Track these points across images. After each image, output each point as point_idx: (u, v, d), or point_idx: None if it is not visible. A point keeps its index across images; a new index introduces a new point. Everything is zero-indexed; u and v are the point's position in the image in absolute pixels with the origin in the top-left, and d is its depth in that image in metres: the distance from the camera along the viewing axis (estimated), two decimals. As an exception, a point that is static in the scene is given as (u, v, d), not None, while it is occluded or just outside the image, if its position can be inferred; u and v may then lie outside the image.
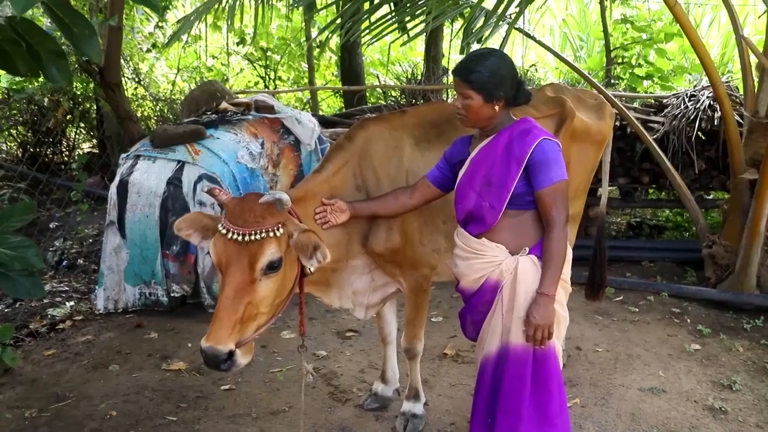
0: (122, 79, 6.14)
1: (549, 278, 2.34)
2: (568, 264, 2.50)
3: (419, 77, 7.64)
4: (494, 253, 2.45)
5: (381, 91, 8.59)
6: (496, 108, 2.40)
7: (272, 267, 2.31)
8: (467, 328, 2.69)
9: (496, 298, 2.47)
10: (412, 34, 4.53)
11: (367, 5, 4.66)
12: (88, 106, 7.75)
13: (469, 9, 4.70)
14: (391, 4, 4.80)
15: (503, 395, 2.47)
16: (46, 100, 7.40)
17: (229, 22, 5.47)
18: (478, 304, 2.55)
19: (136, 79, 8.47)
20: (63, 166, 7.47)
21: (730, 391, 3.57)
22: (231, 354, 2.26)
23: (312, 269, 2.49)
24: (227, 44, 10.04)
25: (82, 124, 8.01)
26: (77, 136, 8.18)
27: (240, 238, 2.27)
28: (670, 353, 3.99)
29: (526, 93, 2.47)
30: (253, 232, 2.27)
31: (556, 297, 2.40)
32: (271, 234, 2.29)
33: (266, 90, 9.52)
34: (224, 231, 2.30)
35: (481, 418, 2.56)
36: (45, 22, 6.16)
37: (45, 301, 4.63)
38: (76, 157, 7.41)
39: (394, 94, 7.78)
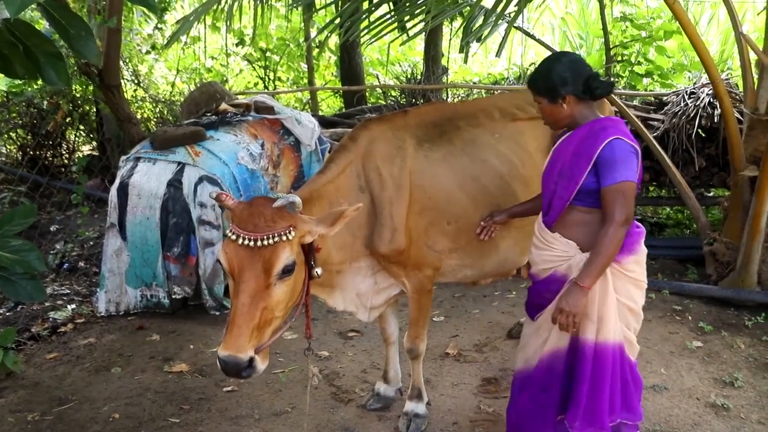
0: (121, 81, 6.13)
1: (589, 271, 2.39)
2: (641, 265, 2.56)
3: (419, 77, 7.63)
4: (564, 248, 2.53)
5: (381, 91, 8.60)
6: (565, 106, 2.48)
7: (287, 271, 2.32)
8: (529, 306, 2.76)
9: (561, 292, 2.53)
10: (411, 33, 4.53)
11: (366, 5, 4.66)
12: (87, 108, 7.74)
13: (468, 8, 4.70)
14: (390, 3, 4.80)
15: (574, 387, 2.54)
16: (45, 102, 7.38)
17: (228, 23, 5.47)
18: (543, 291, 2.63)
19: (136, 81, 8.47)
20: (63, 169, 7.47)
21: (732, 387, 3.56)
22: (251, 361, 2.26)
23: (319, 272, 2.51)
24: (226, 45, 10.03)
25: (82, 127, 8.00)
26: (77, 139, 8.17)
27: (252, 243, 2.26)
28: (671, 350, 3.98)
29: (601, 85, 2.48)
30: (265, 237, 2.26)
31: (628, 295, 2.51)
32: (284, 238, 2.29)
33: (266, 91, 9.53)
34: (234, 237, 2.29)
35: (553, 410, 2.62)
36: (44, 24, 6.16)
37: (46, 304, 4.63)
38: (76, 160, 7.41)
39: (393, 93, 7.78)
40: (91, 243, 5.81)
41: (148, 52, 9.13)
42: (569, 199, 2.49)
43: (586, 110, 2.52)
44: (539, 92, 2.52)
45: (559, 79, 2.45)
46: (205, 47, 9.71)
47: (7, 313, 4.54)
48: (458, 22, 6.85)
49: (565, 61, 2.48)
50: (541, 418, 2.64)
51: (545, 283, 2.61)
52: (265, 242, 2.26)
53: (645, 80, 7.74)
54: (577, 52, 10.42)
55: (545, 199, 2.62)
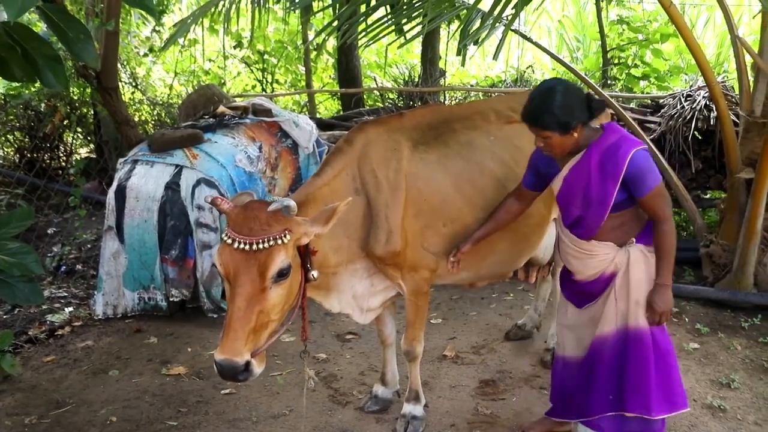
0: (119, 83, 6.13)
1: (665, 269, 2.56)
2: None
3: (416, 79, 7.65)
4: (605, 251, 2.63)
5: (378, 94, 8.60)
6: (575, 134, 2.49)
7: (282, 274, 2.32)
8: (573, 295, 2.86)
9: (611, 287, 2.66)
10: (408, 36, 4.55)
11: (363, 7, 4.66)
12: (85, 110, 7.73)
13: (465, 11, 4.71)
14: (388, 6, 4.81)
15: (630, 375, 2.64)
16: (42, 105, 7.38)
17: (225, 26, 5.47)
18: (591, 287, 2.73)
19: (134, 84, 8.45)
20: (60, 172, 7.46)
21: (728, 389, 3.57)
22: (247, 365, 2.27)
23: (315, 275, 2.52)
24: (224, 48, 10.03)
25: (80, 129, 7.99)
26: (74, 141, 8.16)
27: (247, 247, 2.26)
28: (669, 353, 3.99)
29: (598, 104, 2.52)
30: (260, 241, 2.27)
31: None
32: (279, 241, 2.29)
33: (263, 93, 9.53)
34: (230, 241, 2.30)
35: (603, 395, 2.73)
36: (42, 27, 6.15)
37: (44, 307, 4.62)
38: (74, 162, 7.40)
39: (391, 96, 7.79)
40: (89, 246, 5.81)
41: (145, 55, 9.13)
42: (605, 218, 2.56)
43: (589, 131, 2.56)
44: (548, 128, 2.46)
45: (568, 111, 2.42)
46: (203, 50, 9.71)
47: (5, 316, 4.53)
48: (455, 24, 6.87)
49: (563, 90, 2.44)
50: (596, 402, 2.74)
51: (593, 283, 2.71)
52: (261, 246, 2.27)
53: (642, 83, 7.78)
54: (575, 55, 10.45)
55: (568, 219, 2.69)
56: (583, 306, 2.80)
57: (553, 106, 2.42)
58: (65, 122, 7.51)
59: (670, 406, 2.67)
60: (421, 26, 4.33)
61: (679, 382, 2.71)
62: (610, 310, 2.67)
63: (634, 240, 2.62)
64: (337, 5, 5.19)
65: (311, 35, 9.52)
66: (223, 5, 5.26)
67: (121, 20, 5.84)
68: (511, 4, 3.64)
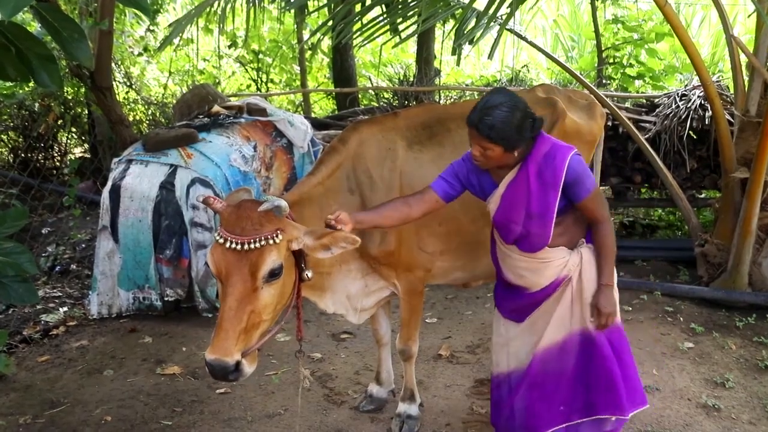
0: (113, 83, 6.12)
1: (607, 269, 2.55)
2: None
3: (411, 79, 7.65)
4: (560, 255, 2.58)
5: (373, 93, 8.60)
6: (516, 153, 2.42)
7: (274, 274, 2.30)
8: (513, 312, 2.74)
9: (561, 290, 2.60)
10: (403, 35, 4.54)
11: (358, 7, 4.66)
12: (79, 110, 7.72)
13: (460, 10, 4.71)
14: (383, 5, 4.81)
15: (596, 377, 2.60)
16: (36, 105, 7.36)
17: (220, 25, 5.45)
18: (539, 296, 2.64)
19: (128, 83, 8.44)
20: (55, 171, 7.45)
21: (723, 388, 3.58)
22: (238, 364, 2.25)
23: (309, 275, 2.50)
24: (219, 47, 10.01)
25: (74, 129, 7.98)
26: (69, 141, 8.15)
27: (239, 247, 2.25)
28: (663, 352, 4.00)
29: (540, 123, 2.44)
30: (252, 241, 2.25)
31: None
32: (271, 241, 2.28)
33: (258, 93, 9.51)
34: (222, 240, 2.28)
35: (555, 406, 2.64)
36: (36, 26, 6.14)
37: (38, 307, 4.61)
38: (68, 162, 7.39)
39: (386, 95, 7.79)
40: (83, 245, 5.79)
41: (140, 54, 9.11)
42: (552, 231, 2.49)
43: (526, 146, 2.46)
44: (496, 141, 2.35)
45: (522, 131, 2.35)
46: (197, 49, 9.68)
47: (-1, 316, 4.53)
48: (450, 24, 6.87)
49: (523, 109, 2.36)
50: (548, 414, 2.64)
51: (543, 291, 2.63)
52: (252, 246, 2.25)
53: (637, 82, 7.78)
54: (570, 55, 10.47)
55: (510, 237, 2.58)
56: (524, 319, 2.70)
57: (507, 120, 2.31)
58: (59, 122, 7.49)
59: (633, 404, 2.64)
60: (415, 25, 4.33)
61: (637, 379, 2.70)
62: (563, 315, 2.61)
63: (583, 240, 2.59)
64: (332, 5, 5.18)
65: (306, 35, 9.51)
66: (218, 5, 5.24)
67: (115, 20, 5.83)
68: (506, 4, 3.64)
